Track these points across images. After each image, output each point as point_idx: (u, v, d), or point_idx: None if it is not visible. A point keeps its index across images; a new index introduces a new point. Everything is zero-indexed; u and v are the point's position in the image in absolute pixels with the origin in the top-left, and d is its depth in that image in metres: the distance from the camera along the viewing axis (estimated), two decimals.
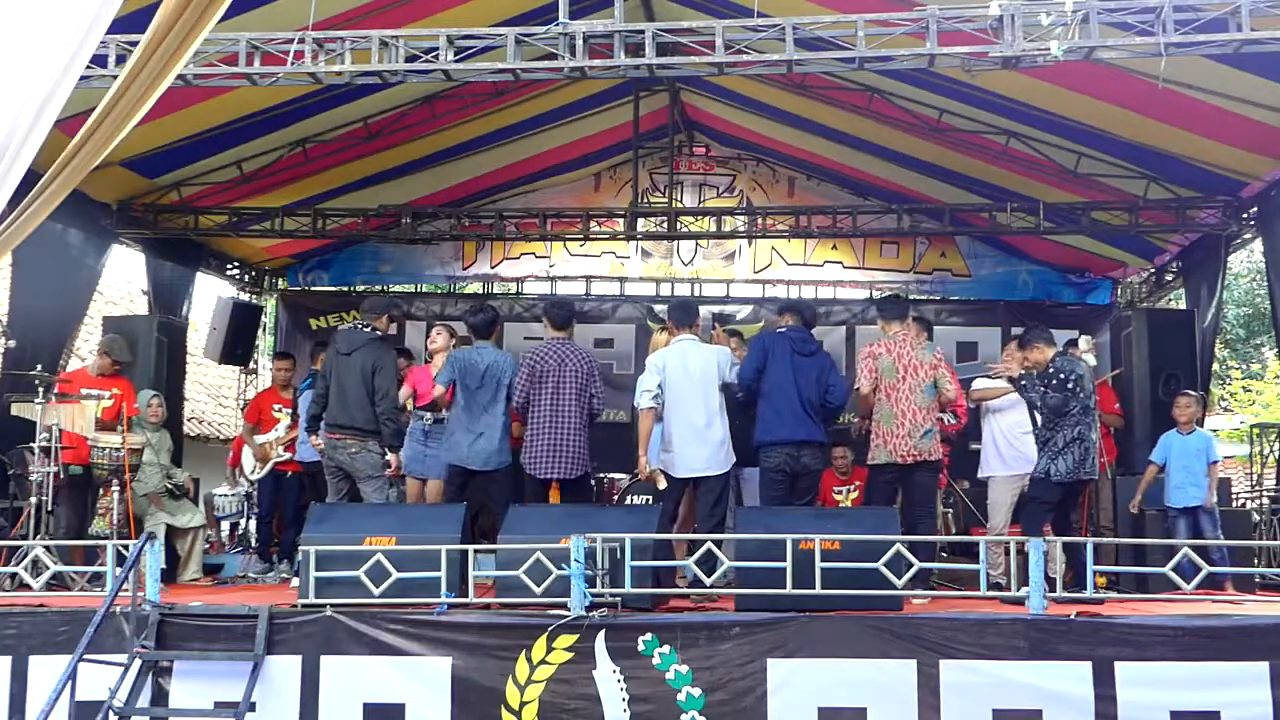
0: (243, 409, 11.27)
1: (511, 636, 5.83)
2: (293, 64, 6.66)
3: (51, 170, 2.93)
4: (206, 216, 10.74)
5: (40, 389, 7.49)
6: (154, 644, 5.93)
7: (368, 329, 7.72)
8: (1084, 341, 8.35)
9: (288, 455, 9.26)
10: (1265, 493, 9.98)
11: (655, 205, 11.90)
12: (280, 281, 13.22)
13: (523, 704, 5.73)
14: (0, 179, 2.48)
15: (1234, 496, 9.81)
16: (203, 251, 11.73)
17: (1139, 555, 7.17)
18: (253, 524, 10.13)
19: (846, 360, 11.19)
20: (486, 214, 11.64)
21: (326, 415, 7.55)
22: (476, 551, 6.30)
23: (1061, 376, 7.18)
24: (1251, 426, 12.14)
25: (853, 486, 9.09)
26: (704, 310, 9.80)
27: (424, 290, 13.68)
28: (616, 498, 9.57)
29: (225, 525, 10.45)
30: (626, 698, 5.71)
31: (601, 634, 5.76)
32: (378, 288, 13.05)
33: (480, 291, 13.45)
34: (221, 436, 14.80)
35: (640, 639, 5.75)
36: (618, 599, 5.85)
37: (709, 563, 6.14)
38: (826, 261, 12.62)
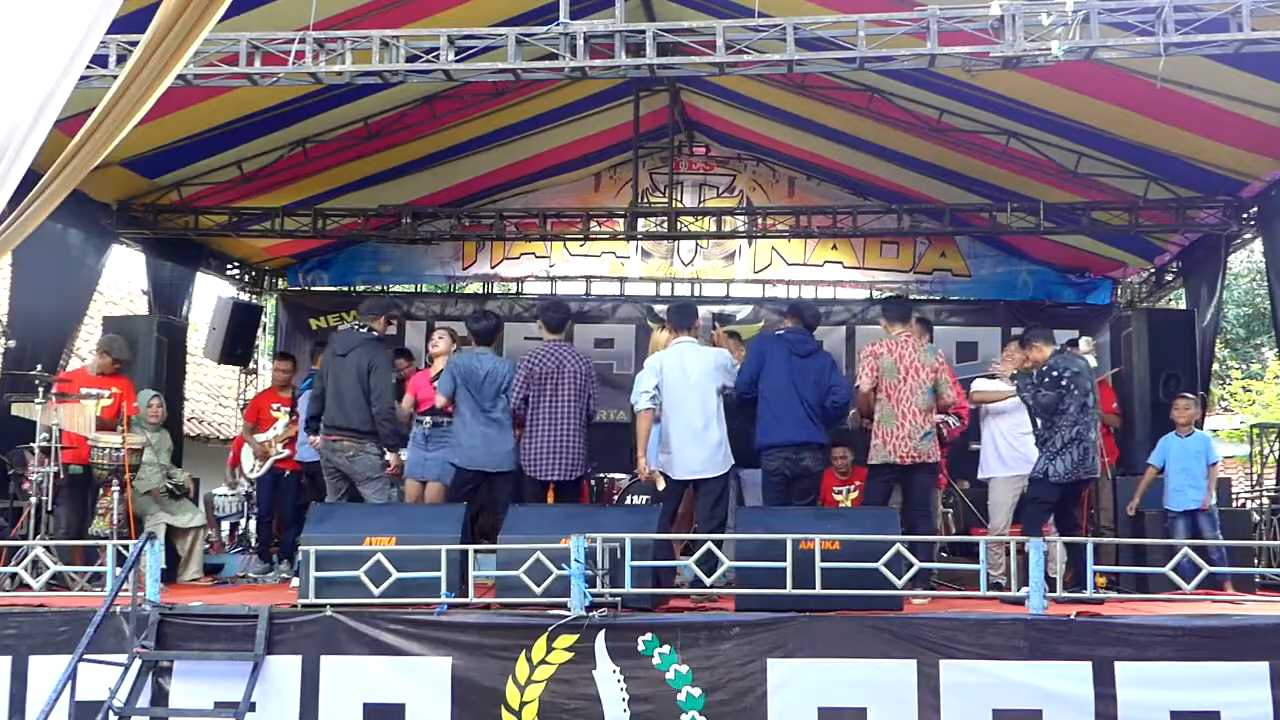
0: (242, 409, 11.28)
1: (511, 636, 5.82)
2: (293, 64, 6.66)
3: (51, 170, 2.93)
4: (206, 216, 10.75)
5: (40, 389, 7.49)
6: (154, 644, 5.93)
7: (364, 330, 7.72)
8: (1084, 342, 8.35)
9: (286, 453, 9.26)
10: (1265, 493, 9.98)
11: (655, 205, 11.90)
12: (280, 281, 13.22)
13: (523, 704, 5.73)
14: (0, 179, 2.48)
15: (1234, 496, 9.82)
16: (203, 251, 11.73)
17: (1139, 555, 7.17)
18: (253, 524, 10.13)
19: (846, 360, 11.19)
20: (486, 214, 11.65)
21: (324, 417, 7.55)
22: (476, 551, 6.30)
23: (1055, 374, 7.17)
24: (1251, 426, 12.14)
25: (853, 487, 9.08)
26: (704, 310, 9.80)
27: (424, 290, 13.68)
28: (616, 498, 9.57)
29: (225, 525, 10.45)
30: (626, 698, 5.71)
31: (601, 634, 5.75)
32: (378, 288, 13.06)
33: (480, 291, 13.46)
34: (221, 436, 14.80)
35: (640, 639, 5.74)
36: (618, 599, 5.85)
37: (709, 563, 6.14)
38: (826, 261, 12.62)
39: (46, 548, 6.58)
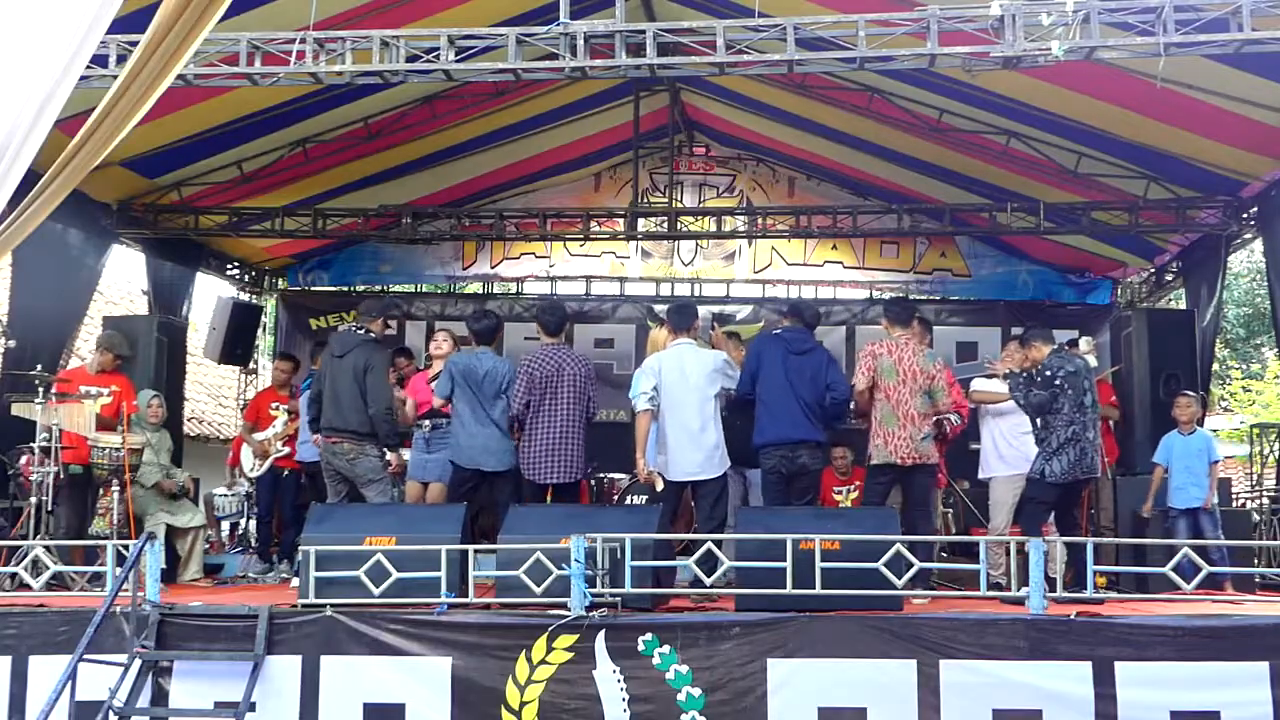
0: (242, 409, 11.28)
1: (511, 636, 5.82)
2: (293, 64, 6.66)
3: (51, 170, 2.93)
4: (206, 216, 10.75)
5: (40, 389, 7.49)
6: (154, 644, 5.93)
7: (360, 331, 7.72)
8: (1084, 342, 8.36)
9: (286, 451, 9.26)
10: (1265, 493, 9.99)
11: (655, 205, 11.91)
12: (280, 281, 13.22)
13: (523, 704, 5.73)
14: (0, 179, 2.48)
15: (1234, 496, 9.82)
16: (203, 251, 11.73)
17: (1139, 555, 7.17)
18: (253, 524, 10.13)
19: (846, 360, 11.16)
20: (486, 214, 11.65)
21: (322, 419, 7.54)
22: (476, 551, 6.30)
23: (1049, 374, 7.17)
24: (1251, 426, 12.15)
25: (853, 486, 9.08)
26: (704, 310, 9.80)
27: (424, 290, 13.68)
28: (616, 498, 9.57)
29: (225, 525, 10.45)
30: (626, 698, 5.71)
31: (601, 634, 5.75)
32: (378, 288, 13.07)
33: (480, 291, 13.46)
34: (221, 436, 14.81)
35: (640, 639, 5.74)
36: (618, 599, 5.85)
37: (709, 563, 6.14)
38: (826, 261, 12.63)
39: (46, 548, 6.58)
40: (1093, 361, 7.78)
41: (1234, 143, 8.58)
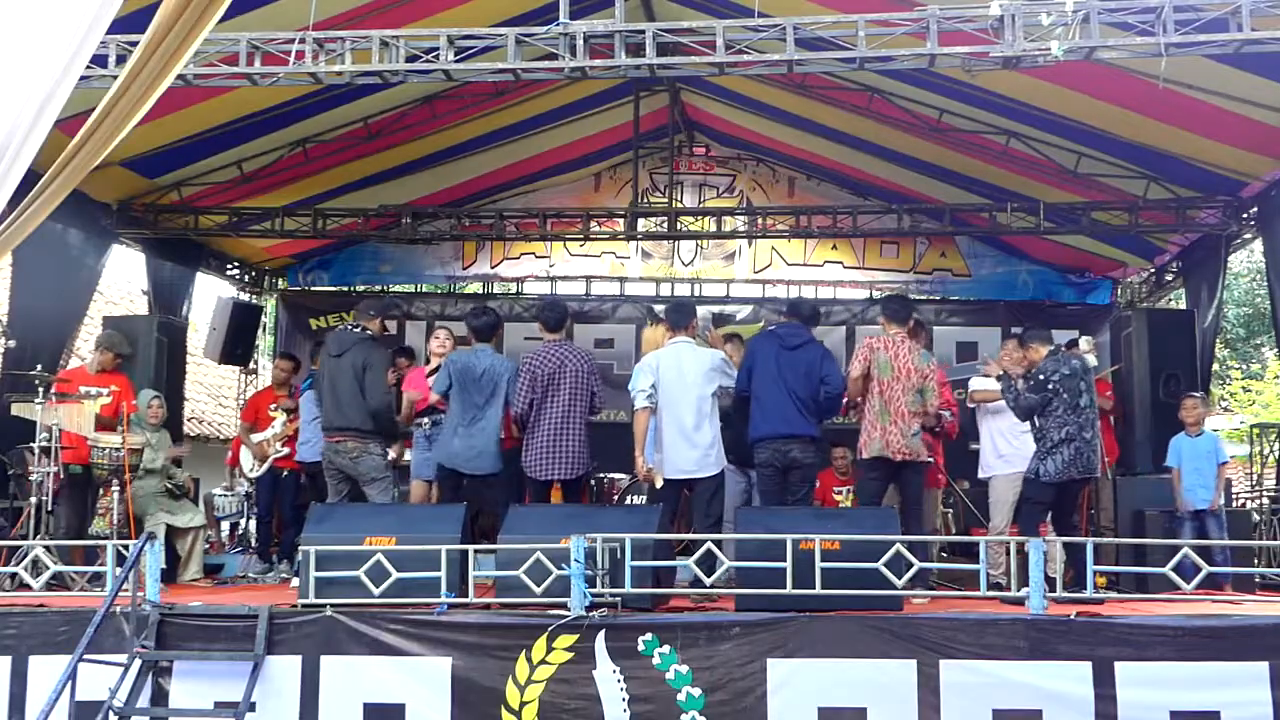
0: (241, 409, 11.27)
1: (511, 636, 5.82)
2: (293, 64, 6.66)
3: (51, 170, 2.93)
4: (206, 216, 10.75)
5: (40, 389, 7.49)
6: (154, 644, 5.93)
7: (358, 329, 7.72)
8: (1085, 341, 8.36)
9: (285, 451, 9.26)
10: (1265, 493, 9.98)
11: (655, 205, 11.91)
12: (280, 281, 13.23)
13: (523, 704, 5.73)
14: (0, 179, 2.48)
15: (1234, 496, 9.83)
16: (203, 251, 11.74)
17: (1139, 555, 7.17)
18: (253, 524, 10.13)
19: (846, 361, 11.16)
20: (486, 214, 11.65)
21: (323, 419, 7.53)
22: (476, 551, 6.30)
23: (1041, 378, 7.19)
24: (1251, 426, 12.14)
25: (853, 487, 9.08)
26: (704, 310, 9.79)
27: (424, 290, 13.69)
28: (616, 498, 9.57)
29: (225, 525, 10.44)
30: (626, 698, 5.71)
31: (601, 634, 5.75)
32: (378, 288, 13.07)
33: (480, 291, 13.46)
34: (221, 436, 14.81)
35: (640, 639, 5.74)
36: (618, 599, 5.85)
37: (709, 563, 6.14)
38: (826, 261, 12.63)
39: (46, 548, 6.58)
40: (1092, 361, 7.77)
41: (1234, 143, 8.58)
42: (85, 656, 5.65)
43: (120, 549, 6.27)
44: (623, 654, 5.74)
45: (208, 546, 9.27)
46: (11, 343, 9.09)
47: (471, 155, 11.36)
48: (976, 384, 8.53)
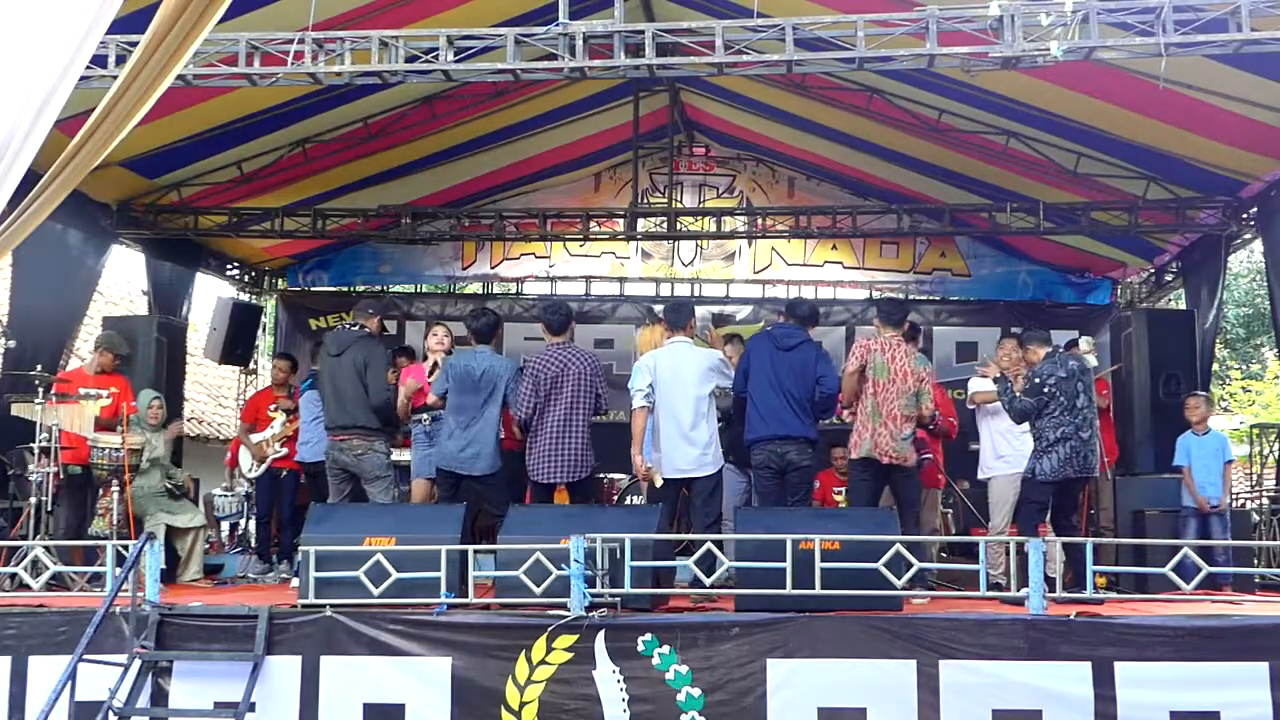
0: (242, 409, 11.27)
1: (511, 637, 5.82)
2: (293, 64, 6.67)
3: (51, 170, 2.93)
4: (206, 217, 10.75)
5: (40, 389, 7.49)
6: (154, 644, 5.93)
7: (356, 328, 7.72)
8: (1085, 342, 8.37)
9: (285, 452, 9.26)
10: (1265, 493, 9.98)
11: (655, 205, 11.91)
12: (280, 282, 13.23)
13: (522, 704, 5.73)
14: (0, 179, 2.48)
15: (1234, 496, 9.81)
16: (202, 252, 11.74)
17: (1139, 555, 7.17)
18: (252, 524, 10.13)
19: (844, 361, 11.19)
20: (486, 214, 11.65)
21: (326, 419, 7.52)
22: (476, 552, 6.30)
23: (1036, 381, 7.20)
24: (1251, 426, 12.15)
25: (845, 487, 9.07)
26: (704, 310, 9.79)
27: (424, 290, 13.69)
28: (616, 498, 9.56)
29: (225, 525, 10.44)
30: (626, 698, 5.71)
31: (601, 634, 5.75)
32: (378, 288, 13.08)
33: (480, 291, 13.46)
34: (221, 436, 14.81)
35: (640, 639, 5.74)
36: (617, 599, 5.84)
37: (708, 563, 6.14)
38: (826, 262, 12.64)
39: (46, 548, 6.58)
40: (1092, 361, 7.78)
41: (1234, 143, 8.58)
42: (85, 657, 5.65)
43: (120, 549, 6.27)
44: (622, 654, 5.74)
45: (207, 547, 9.27)
46: (11, 343, 9.09)
47: (471, 155, 11.36)
48: (975, 385, 8.54)
